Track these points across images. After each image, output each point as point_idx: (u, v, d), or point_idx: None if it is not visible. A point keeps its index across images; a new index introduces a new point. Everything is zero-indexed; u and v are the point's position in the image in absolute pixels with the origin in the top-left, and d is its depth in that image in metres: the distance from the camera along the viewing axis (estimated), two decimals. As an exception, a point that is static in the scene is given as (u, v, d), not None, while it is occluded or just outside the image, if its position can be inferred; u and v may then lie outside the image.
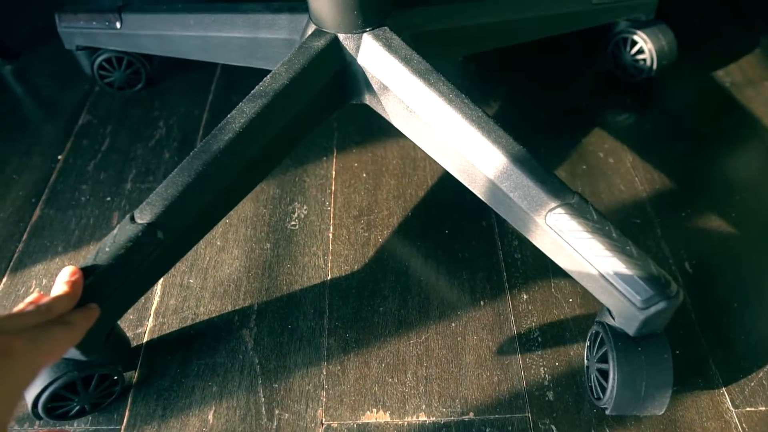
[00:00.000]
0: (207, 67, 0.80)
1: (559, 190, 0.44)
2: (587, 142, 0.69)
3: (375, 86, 0.51)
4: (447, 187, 0.64)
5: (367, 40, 0.50)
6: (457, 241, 0.59)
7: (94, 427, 0.48)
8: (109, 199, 0.64)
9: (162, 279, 0.57)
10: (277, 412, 0.48)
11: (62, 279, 0.40)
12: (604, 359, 0.45)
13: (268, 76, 0.49)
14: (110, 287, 0.43)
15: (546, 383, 0.49)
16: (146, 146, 0.69)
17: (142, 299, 0.55)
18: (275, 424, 0.47)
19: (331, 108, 0.54)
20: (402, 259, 0.58)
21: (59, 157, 0.69)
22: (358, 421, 0.47)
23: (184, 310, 0.54)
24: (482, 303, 0.54)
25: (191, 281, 0.56)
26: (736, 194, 0.64)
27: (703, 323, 0.53)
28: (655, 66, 0.74)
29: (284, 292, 0.55)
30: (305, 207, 0.62)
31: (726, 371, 0.51)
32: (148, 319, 0.54)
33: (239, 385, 0.49)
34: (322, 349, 0.51)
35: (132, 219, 0.44)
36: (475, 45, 0.69)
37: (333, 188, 0.64)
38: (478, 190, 0.49)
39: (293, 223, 0.61)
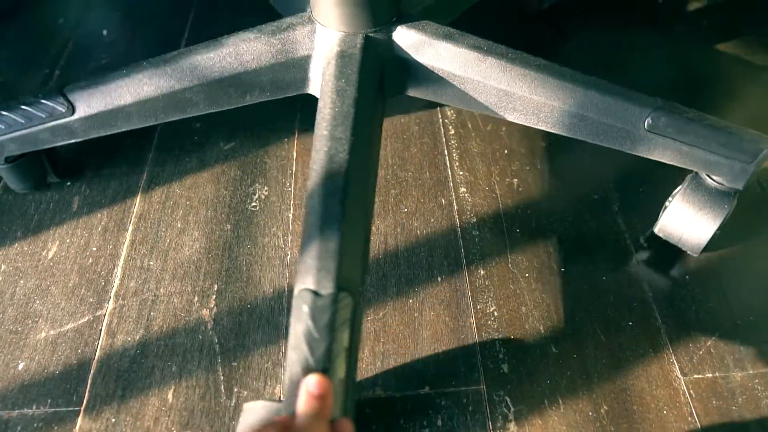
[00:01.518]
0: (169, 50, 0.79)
1: (644, 100, 0.50)
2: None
3: (420, 70, 0.51)
4: (406, 165, 0.64)
5: (401, 31, 0.51)
6: (416, 219, 0.60)
7: (53, 409, 0.48)
8: (69, 183, 0.64)
9: (122, 262, 0.57)
10: (236, 389, 0.48)
11: (311, 392, 0.33)
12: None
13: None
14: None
15: (501, 356, 0.51)
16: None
17: (102, 282, 0.55)
18: (234, 401, 0.48)
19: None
20: (362, 238, 0.58)
21: (18, 141, 0.68)
22: (315, 397, 0.48)
23: (144, 292, 0.55)
24: (440, 279, 0.55)
25: (151, 263, 0.57)
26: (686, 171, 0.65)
27: (657, 295, 0.55)
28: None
29: (244, 273, 0.56)
30: (266, 188, 0.62)
31: (676, 341, 0.52)
32: (108, 301, 0.54)
33: (198, 365, 0.50)
34: (281, 328, 0.52)
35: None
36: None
37: (294, 169, 0.64)
38: (557, 126, 0.52)
39: (254, 204, 0.61)
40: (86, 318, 0.53)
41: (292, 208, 0.60)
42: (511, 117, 0.52)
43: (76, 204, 0.62)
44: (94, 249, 0.58)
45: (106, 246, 0.58)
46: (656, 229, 0.58)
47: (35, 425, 0.47)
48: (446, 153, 0.66)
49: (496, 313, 0.53)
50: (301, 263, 0.39)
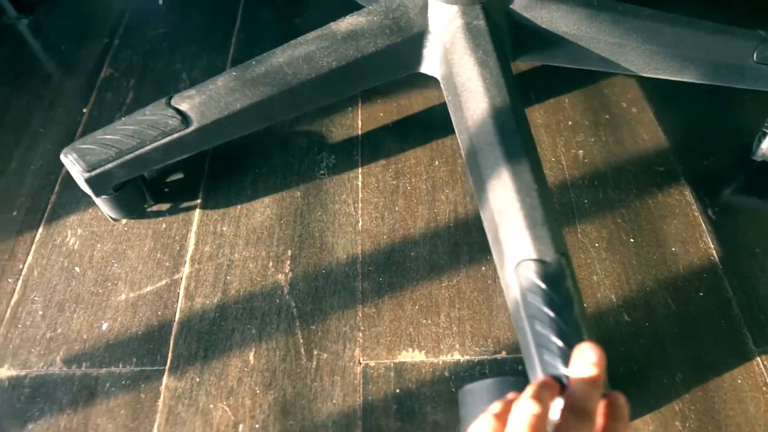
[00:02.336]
0: (226, 19, 0.80)
1: (748, 35, 0.53)
2: (610, 92, 0.69)
3: (537, 33, 0.53)
4: (472, 136, 0.64)
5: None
6: (484, 189, 0.60)
7: (138, 368, 0.49)
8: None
9: (194, 227, 0.58)
10: (316, 352, 0.50)
11: (588, 359, 0.32)
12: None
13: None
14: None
15: (574, 324, 0.51)
16: (170, 99, 0.70)
17: (177, 246, 0.56)
18: (315, 363, 0.49)
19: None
20: (430, 206, 0.58)
21: (84, 110, 0.69)
22: (394, 360, 0.49)
23: (219, 256, 0.56)
24: (511, 248, 0.56)
25: (224, 229, 0.57)
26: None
27: (727, 267, 0.55)
28: None
29: (317, 239, 0.56)
30: (333, 156, 0.63)
31: (747, 313, 0.52)
32: (184, 265, 0.55)
33: (277, 328, 0.51)
34: (357, 293, 0.53)
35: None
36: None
37: (360, 138, 0.64)
38: (669, 71, 0.54)
39: (322, 172, 0.61)
40: (164, 281, 0.54)
41: (360, 176, 0.61)
42: (622, 69, 0.54)
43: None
44: (167, 214, 0.59)
45: (179, 212, 0.59)
46: (759, 154, 0.61)
47: (123, 383, 0.49)
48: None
49: (567, 282, 0.54)
50: (505, 237, 0.40)
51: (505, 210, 0.41)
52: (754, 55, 0.52)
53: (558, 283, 0.38)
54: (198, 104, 0.50)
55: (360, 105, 0.67)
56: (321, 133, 0.65)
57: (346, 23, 0.52)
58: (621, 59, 0.53)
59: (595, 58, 0.53)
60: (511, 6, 0.52)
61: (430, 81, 0.68)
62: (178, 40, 0.77)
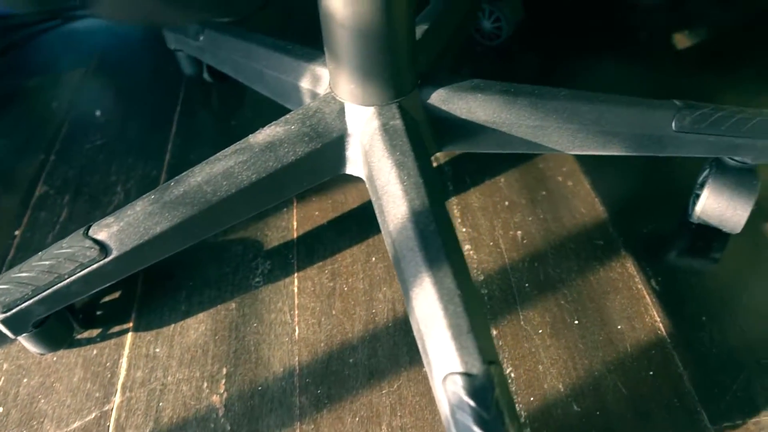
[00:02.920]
0: (162, 126, 0.80)
1: (665, 105, 0.54)
2: (545, 168, 0.70)
3: (456, 125, 0.54)
4: (410, 226, 0.64)
5: (430, 92, 0.53)
6: (423, 282, 0.59)
7: None
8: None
9: (127, 351, 0.55)
10: (252, 480, 0.47)
11: None
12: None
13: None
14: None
15: (522, 420, 0.49)
16: (105, 213, 0.69)
17: (108, 374, 0.54)
18: (251, 493, 0.46)
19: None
20: (368, 306, 0.57)
21: (16, 232, 0.68)
22: (335, 482, 0.46)
23: (152, 381, 0.53)
24: (453, 344, 0.54)
25: (157, 350, 0.55)
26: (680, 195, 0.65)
27: (675, 341, 0.53)
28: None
29: (252, 353, 0.54)
30: (269, 262, 0.62)
31: (701, 387, 0.50)
32: (115, 394, 0.53)
33: (212, 456, 0.48)
34: (294, 409, 0.50)
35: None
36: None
37: (295, 240, 0.63)
38: (593, 147, 0.56)
39: (257, 279, 0.60)
40: (93, 414, 0.51)
41: (296, 281, 0.60)
42: (547, 149, 0.55)
43: (78, 293, 0.61)
44: (99, 340, 0.57)
45: (110, 337, 0.57)
46: (695, 217, 0.61)
47: None
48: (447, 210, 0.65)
49: (512, 375, 0.52)
50: (431, 349, 0.39)
51: (429, 319, 0.40)
52: (673, 125, 0.53)
53: (486, 397, 0.37)
54: (116, 232, 0.49)
55: (295, 205, 0.67)
56: (256, 239, 0.64)
57: (264, 134, 0.52)
58: (545, 140, 0.54)
59: (519, 142, 0.54)
60: (428, 101, 0.53)
61: (364, 174, 0.69)
62: (114, 151, 0.77)
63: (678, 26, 0.89)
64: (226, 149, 0.52)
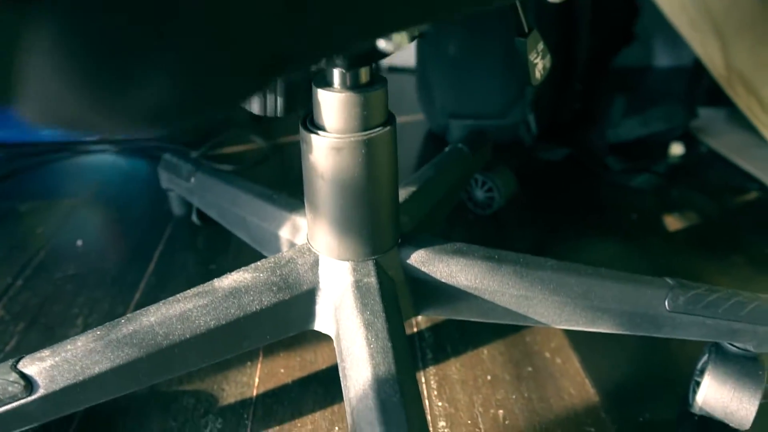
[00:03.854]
0: (140, 262, 0.78)
1: (656, 282, 0.51)
2: (532, 341, 0.66)
3: (436, 288, 0.51)
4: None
5: (409, 251, 0.51)
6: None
7: None
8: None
9: None
10: None
11: None
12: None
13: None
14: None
15: None
16: (56, 348, 0.63)
17: None
18: None
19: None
20: (325, 484, 0.50)
21: (-44, 361, 0.62)
22: None
23: None
24: None
25: None
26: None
27: None
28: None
29: None
30: (220, 420, 0.55)
31: None
32: None
33: None
34: None
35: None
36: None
37: (254, 398, 0.58)
38: (580, 323, 0.51)
39: (204, 440, 0.53)
40: None
41: (246, 446, 0.53)
42: (532, 321, 0.51)
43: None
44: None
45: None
46: (696, 408, 0.54)
47: None
48: (423, 381, 0.60)
49: None
50: None
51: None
52: (666, 304, 0.50)
53: None
54: (48, 367, 0.44)
55: (260, 359, 0.62)
56: (212, 392, 0.58)
57: (230, 279, 0.49)
58: (529, 311, 0.50)
59: (502, 311, 0.51)
60: (407, 261, 0.51)
61: (339, 331, 0.65)
62: (84, 283, 0.74)
63: (667, 209, 0.90)
64: (188, 291, 0.48)
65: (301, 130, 0.46)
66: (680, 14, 0.96)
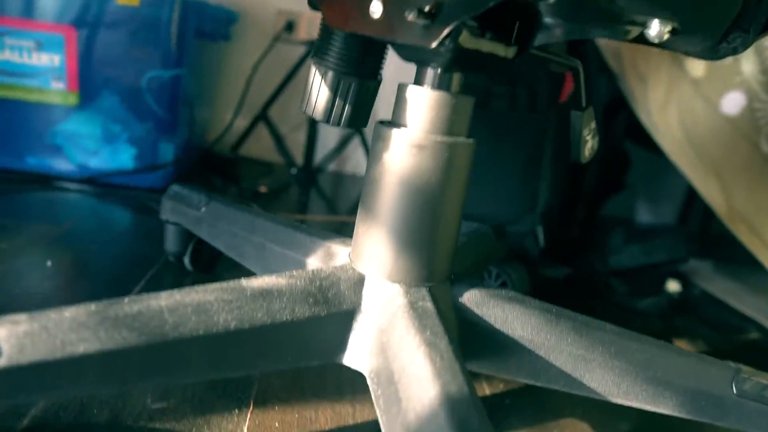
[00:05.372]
0: (115, 294, 0.68)
1: (720, 363, 0.46)
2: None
3: (488, 333, 0.45)
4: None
5: (463, 288, 0.46)
6: None
7: None
8: None
9: None
10: None
11: None
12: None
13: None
14: None
15: None
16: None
17: None
18: None
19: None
20: None
21: None
22: None
23: None
24: None
25: None
26: None
27: None
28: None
29: None
30: (197, 469, 0.44)
31: None
32: None
33: None
34: None
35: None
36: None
37: (241, 449, 0.47)
38: (640, 398, 0.45)
39: (175, 488, 0.42)
40: None
41: (228, 503, 0.41)
42: (586, 390, 0.45)
43: None
44: None
45: None
46: None
47: None
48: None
49: None
50: None
51: None
52: (733, 387, 0.45)
53: None
54: (21, 334, 0.34)
55: (251, 408, 0.52)
56: (189, 434, 0.47)
57: (261, 281, 0.42)
58: (586, 376, 0.44)
59: (556, 372, 0.44)
60: (459, 299, 0.45)
61: (345, 392, 0.56)
62: (47, 301, 0.63)
63: (675, 334, 0.87)
64: (210, 284, 0.41)
65: (378, 127, 0.43)
66: (681, 155, 1.01)
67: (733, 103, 0.96)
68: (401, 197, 0.42)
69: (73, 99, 0.95)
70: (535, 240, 0.99)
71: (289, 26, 1.40)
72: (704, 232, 1.23)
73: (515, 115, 0.94)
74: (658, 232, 1.07)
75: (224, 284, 0.41)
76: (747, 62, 0.95)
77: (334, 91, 0.46)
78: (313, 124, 1.35)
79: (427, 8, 0.35)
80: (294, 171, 1.37)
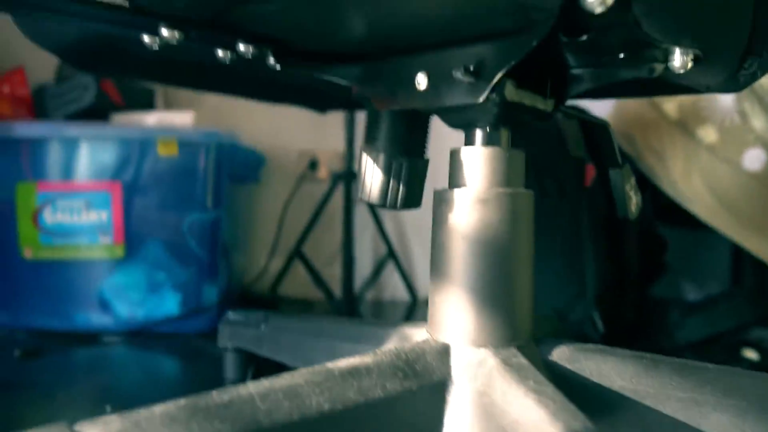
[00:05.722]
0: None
1: None
2: None
3: (586, 388, 0.43)
4: None
5: (549, 346, 0.45)
6: None
7: None
8: None
9: None
10: None
11: None
12: None
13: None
14: None
15: None
16: None
17: None
18: None
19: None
20: None
21: None
22: None
23: None
24: None
25: None
26: None
27: None
28: None
29: None
30: None
31: None
32: None
33: None
34: None
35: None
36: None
37: None
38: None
39: None
40: None
41: None
42: None
43: None
44: None
45: None
46: None
47: None
48: None
49: None
50: None
51: None
52: None
53: None
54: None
55: None
56: None
57: (347, 361, 0.41)
58: (702, 422, 0.40)
59: (669, 421, 0.41)
60: (549, 357, 0.43)
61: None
62: None
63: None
64: (294, 371, 0.40)
65: (438, 193, 0.44)
66: (718, 219, 1.01)
67: (753, 159, 0.98)
68: (473, 255, 0.42)
69: (119, 251, 0.98)
70: (593, 326, 0.96)
71: (312, 165, 1.48)
72: (763, 291, 1.19)
73: (546, 201, 0.96)
74: (717, 300, 1.03)
75: (311, 368, 0.40)
76: (756, 120, 0.98)
77: (387, 172, 0.48)
78: (348, 253, 1.37)
79: (472, 67, 0.38)
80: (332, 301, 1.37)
